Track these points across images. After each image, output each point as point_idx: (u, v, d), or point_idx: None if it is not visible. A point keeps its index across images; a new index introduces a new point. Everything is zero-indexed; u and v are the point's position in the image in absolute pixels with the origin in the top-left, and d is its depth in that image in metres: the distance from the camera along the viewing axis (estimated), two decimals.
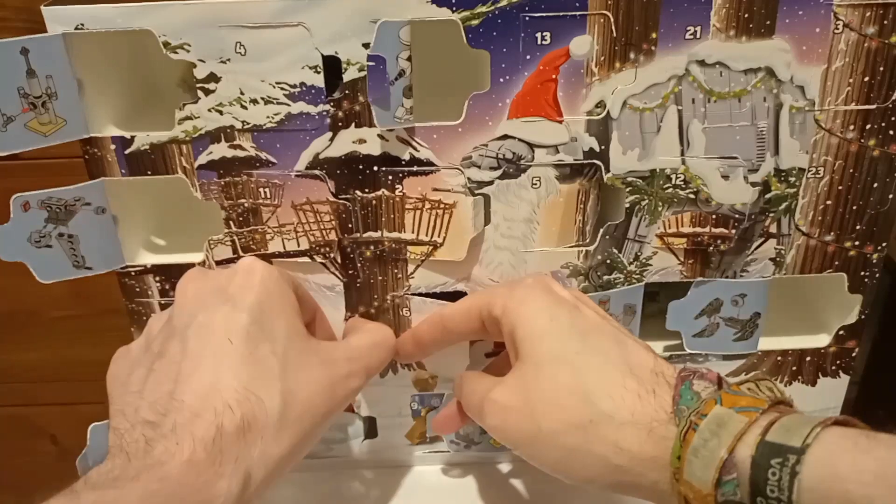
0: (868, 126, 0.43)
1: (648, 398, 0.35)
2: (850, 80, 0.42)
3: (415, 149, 0.43)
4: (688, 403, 0.33)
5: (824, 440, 0.29)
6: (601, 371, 0.36)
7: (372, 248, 0.46)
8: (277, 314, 0.38)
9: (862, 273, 0.47)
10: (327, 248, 0.46)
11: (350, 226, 0.45)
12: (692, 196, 0.45)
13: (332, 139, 0.43)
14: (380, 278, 0.47)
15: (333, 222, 0.45)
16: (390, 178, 0.44)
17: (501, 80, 0.41)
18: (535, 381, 0.37)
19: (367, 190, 0.44)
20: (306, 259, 0.46)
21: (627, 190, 0.44)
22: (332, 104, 0.42)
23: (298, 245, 0.46)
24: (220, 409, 0.34)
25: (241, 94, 0.42)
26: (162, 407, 0.34)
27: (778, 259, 0.47)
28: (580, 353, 0.37)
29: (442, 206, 0.44)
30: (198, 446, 0.32)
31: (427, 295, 0.47)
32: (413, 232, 0.45)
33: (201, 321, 0.37)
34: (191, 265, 0.47)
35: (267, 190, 0.44)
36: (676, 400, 0.34)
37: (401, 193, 0.44)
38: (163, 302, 0.48)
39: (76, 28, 0.40)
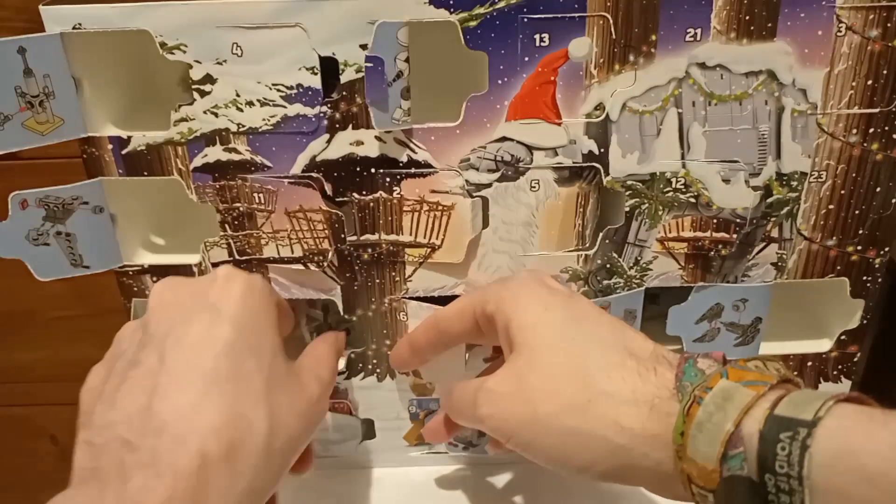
0: (871, 130, 0.42)
1: (649, 376, 0.33)
2: (853, 84, 0.41)
3: (412, 151, 0.43)
4: (692, 379, 0.32)
5: (837, 414, 0.28)
6: (599, 353, 0.35)
7: (369, 250, 0.46)
8: (261, 328, 0.36)
9: (864, 278, 0.47)
10: (320, 257, 0.46)
11: (343, 235, 0.45)
12: (693, 200, 0.44)
13: (329, 141, 0.43)
14: (377, 281, 0.47)
15: (326, 231, 0.45)
16: (388, 180, 0.44)
17: (500, 81, 0.41)
18: (531, 367, 0.36)
19: (364, 192, 0.44)
20: (300, 266, 0.46)
21: (627, 193, 0.44)
22: (329, 106, 0.42)
23: (292, 252, 0.46)
24: (204, 432, 0.30)
25: (237, 95, 0.42)
26: (139, 424, 0.30)
27: (779, 264, 0.46)
28: (576, 338, 0.36)
29: (440, 207, 0.44)
30: (179, 481, 0.29)
31: (424, 299, 0.47)
32: (411, 234, 0.45)
33: (181, 332, 0.33)
34: (187, 266, 0.47)
35: (261, 195, 0.44)
36: (679, 377, 0.33)
37: (398, 195, 0.44)
38: None
39: (74, 28, 0.40)
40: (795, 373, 0.50)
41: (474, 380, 0.39)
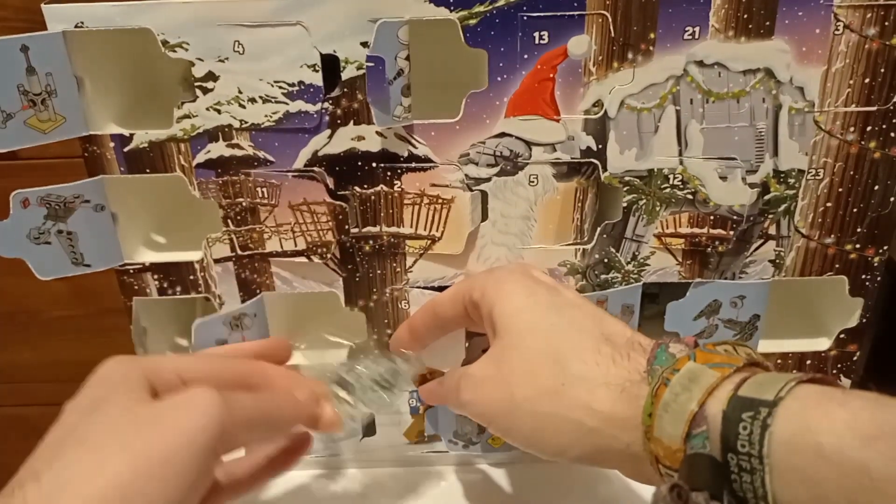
0: (868, 128, 0.43)
1: (623, 362, 0.34)
2: (851, 82, 0.42)
3: (413, 146, 0.43)
4: (662, 363, 0.33)
5: (798, 394, 0.28)
6: (575, 339, 0.36)
7: (371, 242, 0.46)
8: (106, 395, 0.33)
9: (863, 276, 0.47)
10: (324, 249, 0.46)
11: (347, 227, 0.45)
12: (690, 196, 0.44)
13: (330, 136, 0.43)
14: (379, 272, 0.47)
15: (330, 223, 0.45)
16: (389, 174, 0.44)
17: (499, 78, 0.41)
18: (511, 352, 0.37)
19: (365, 186, 0.44)
20: (303, 259, 0.46)
21: (625, 189, 0.44)
22: (330, 102, 0.42)
23: (295, 245, 0.46)
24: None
25: (240, 92, 0.42)
26: None
27: (777, 261, 0.47)
28: (555, 325, 0.37)
29: (440, 200, 0.45)
30: None
31: (425, 288, 0.47)
32: (411, 226, 0.45)
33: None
34: (189, 264, 0.47)
35: (264, 189, 0.45)
36: (651, 361, 0.33)
37: (399, 189, 0.44)
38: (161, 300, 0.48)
39: (76, 26, 0.40)
40: (794, 370, 0.50)
41: (461, 367, 0.40)
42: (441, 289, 0.47)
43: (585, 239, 0.47)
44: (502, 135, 0.43)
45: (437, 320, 0.43)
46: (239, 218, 0.45)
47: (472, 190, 0.44)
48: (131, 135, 0.43)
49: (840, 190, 0.44)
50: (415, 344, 0.46)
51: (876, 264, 0.46)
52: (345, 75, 0.41)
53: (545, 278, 0.41)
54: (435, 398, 0.43)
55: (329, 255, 0.46)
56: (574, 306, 0.38)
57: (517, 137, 0.43)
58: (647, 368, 0.33)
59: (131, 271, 0.47)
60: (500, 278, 0.40)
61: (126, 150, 0.44)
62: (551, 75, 0.41)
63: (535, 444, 0.36)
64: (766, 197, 0.45)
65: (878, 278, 0.47)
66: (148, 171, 0.44)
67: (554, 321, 0.37)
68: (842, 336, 0.49)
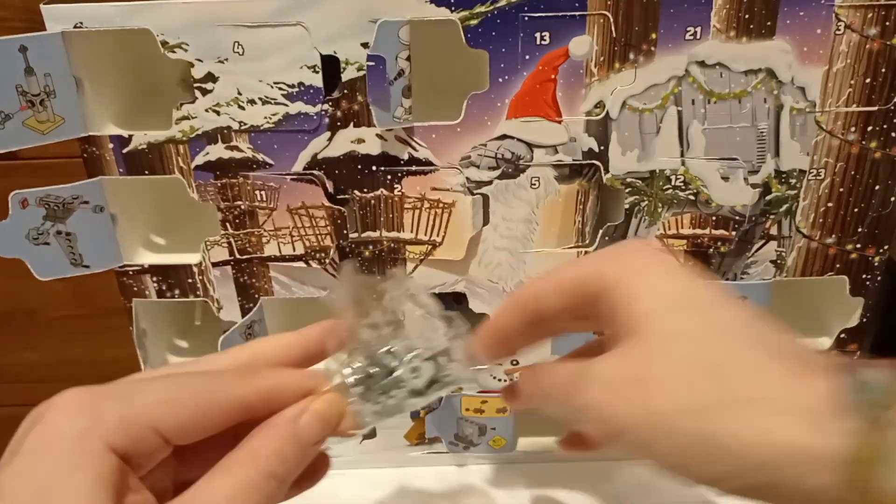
0: (869, 128, 0.42)
1: (801, 383, 0.28)
2: (852, 82, 0.41)
3: (413, 148, 0.43)
4: (867, 394, 0.27)
5: None
6: (735, 348, 0.30)
7: (370, 247, 0.46)
8: (43, 488, 0.27)
9: (864, 276, 0.47)
10: (322, 254, 0.46)
11: (345, 231, 0.45)
12: (692, 197, 0.44)
13: (330, 139, 0.43)
14: (378, 279, 0.47)
15: (329, 227, 0.45)
16: (389, 177, 0.44)
17: (500, 80, 0.41)
18: (653, 355, 0.31)
19: (365, 190, 0.44)
20: (302, 263, 0.46)
21: (627, 191, 0.44)
22: (330, 104, 0.42)
23: (294, 249, 0.46)
24: None
25: (239, 94, 0.42)
26: None
27: (779, 261, 0.47)
28: (709, 329, 0.31)
29: (441, 205, 0.44)
30: None
31: None
32: (412, 231, 0.45)
33: None
34: (187, 267, 0.47)
35: (263, 193, 0.44)
36: (846, 389, 0.27)
37: (399, 193, 0.44)
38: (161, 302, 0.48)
39: (75, 26, 0.40)
40: None
41: (569, 362, 0.34)
42: (441, 296, 0.46)
43: (587, 241, 0.46)
44: (504, 137, 0.43)
45: (538, 317, 0.35)
46: (237, 221, 0.45)
47: (473, 194, 0.44)
48: (130, 136, 0.43)
49: (841, 190, 0.44)
50: (504, 351, 0.37)
51: (876, 264, 0.46)
52: (345, 76, 0.41)
53: (682, 268, 0.34)
54: (529, 398, 0.37)
55: (328, 261, 0.46)
56: (727, 306, 0.32)
57: (519, 139, 0.43)
58: (839, 396, 0.27)
59: (130, 273, 0.47)
60: (635, 269, 0.34)
61: (125, 151, 0.43)
62: (553, 76, 0.41)
63: (684, 467, 0.30)
64: (768, 197, 0.44)
65: (879, 278, 0.47)
66: (147, 172, 0.44)
67: (708, 325, 0.31)
68: (842, 335, 0.49)
